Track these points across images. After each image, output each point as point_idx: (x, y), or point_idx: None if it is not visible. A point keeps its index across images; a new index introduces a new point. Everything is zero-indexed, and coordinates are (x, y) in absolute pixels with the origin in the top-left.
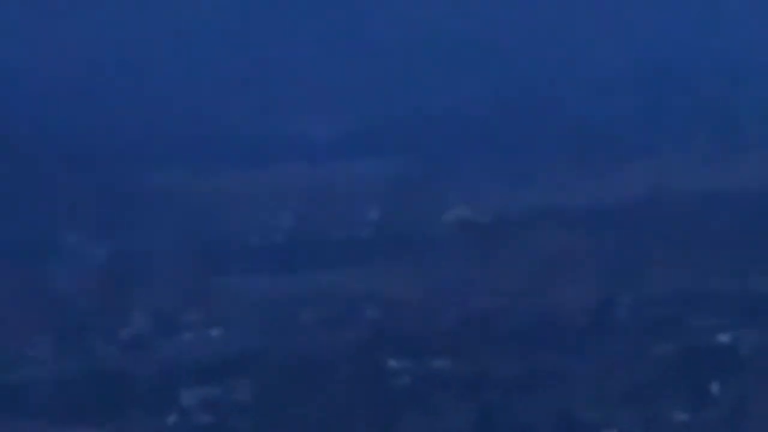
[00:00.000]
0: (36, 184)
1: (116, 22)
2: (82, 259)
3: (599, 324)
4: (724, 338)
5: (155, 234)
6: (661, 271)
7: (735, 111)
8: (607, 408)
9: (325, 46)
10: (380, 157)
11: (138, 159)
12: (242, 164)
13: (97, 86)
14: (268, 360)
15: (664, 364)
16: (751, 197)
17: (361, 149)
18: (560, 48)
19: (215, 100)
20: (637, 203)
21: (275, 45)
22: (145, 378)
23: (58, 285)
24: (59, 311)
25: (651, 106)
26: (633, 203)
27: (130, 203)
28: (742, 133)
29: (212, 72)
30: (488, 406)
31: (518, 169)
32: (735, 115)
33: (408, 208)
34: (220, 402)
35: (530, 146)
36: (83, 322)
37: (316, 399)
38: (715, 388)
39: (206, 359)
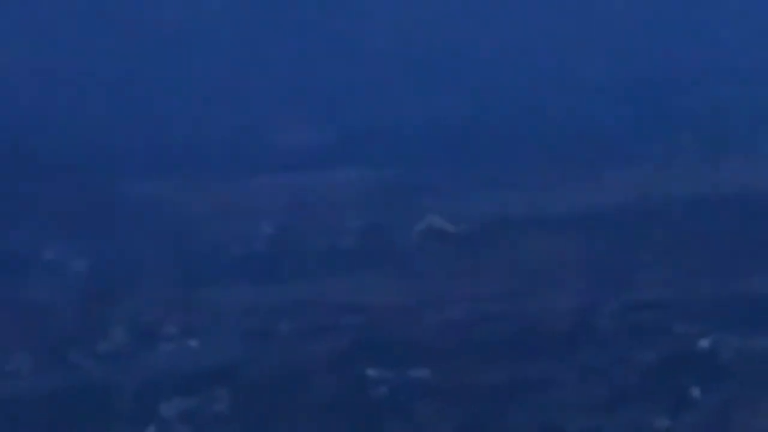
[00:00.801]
0: (13, 194)
1: (99, 29)
2: (60, 271)
3: (582, 331)
4: (706, 344)
5: (134, 245)
6: (645, 277)
7: (721, 116)
8: (590, 415)
9: (306, 55)
10: (362, 167)
11: (117, 169)
12: (222, 174)
13: (77, 95)
14: (247, 371)
15: (646, 370)
16: (737, 203)
17: (343, 158)
18: (544, 55)
19: (195, 110)
20: (621, 209)
21: (256, 54)
22: (124, 390)
23: (37, 298)
24: (38, 325)
25: (635, 112)
26: (616, 209)
27: (109, 214)
28: (728, 139)
29: (192, 81)
30: (470, 416)
31: (501, 177)
32: (720, 120)
33: (390, 218)
34: (200, 413)
35: (513, 154)
36: (62, 335)
37: (295, 410)
38: (696, 393)
39: (185, 370)
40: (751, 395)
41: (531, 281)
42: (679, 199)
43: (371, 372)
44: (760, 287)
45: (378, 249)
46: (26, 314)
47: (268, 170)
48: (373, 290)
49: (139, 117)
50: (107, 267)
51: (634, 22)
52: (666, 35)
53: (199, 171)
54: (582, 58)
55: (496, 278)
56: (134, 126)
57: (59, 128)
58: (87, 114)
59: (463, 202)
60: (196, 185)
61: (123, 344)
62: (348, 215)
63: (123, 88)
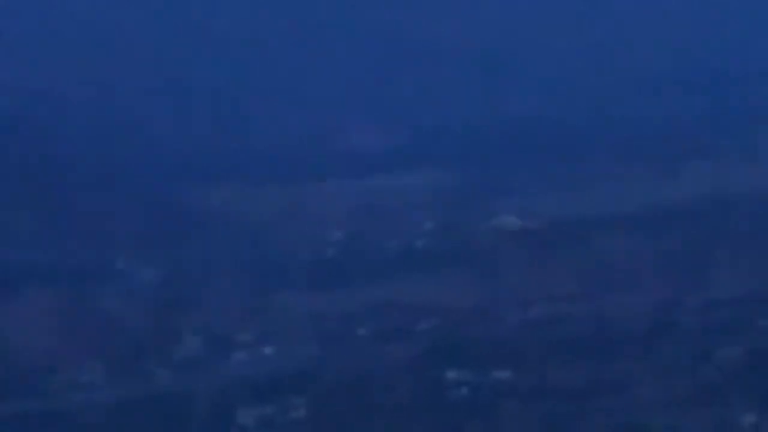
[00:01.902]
0: (85, 207)
1: (163, 39)
2: (133, 281)
3: (663, 329)
4: None
5: (206, 253)
6: (723, 273)
7: None
8: (673, 413)
9: (375, 58)
10: (432, 168)
11: (187, 178)
12: (292, 179)
13: (142, 105)
14: (324, 376)
15: (730, 366)
16: None
17: (413, 161)
18: (616, 52)
19: (264, 116)
20: (697, 205)
21: (324, 59)
22: (200, 398)
23: (111, 308)
24: (113, 335)
25: (708, 108)
26: (692, 206)
27: (180, 223)
28: None
29: (261, 87)
30: (551, 416)
31: (574, 175)
32: None
33: (462, 218)
34: (277, 420)
35: (586, 152)
36: (137, 344)
37: (374, 415)
38: None
39: (261, 377)
40: None
41: (608, 279)
42: (757, 193)
43: (450, 374)
44: None
45: (452, 250)
46: (100, 324)
47: (338, 174)
48: (449, 291)
49: (208, 124)
50: (179, 275)
51: (707, 17)
52: (740, 29)
53: (268, 177)
54: (654, 53)
55: (573, 277)
56: (203, 134)
57: (125, 138)
58: (154, 124)
59: (537, 201)
60: (265, 191)
61: (197, 352)
62: (421, 217)
63: (189, 96)
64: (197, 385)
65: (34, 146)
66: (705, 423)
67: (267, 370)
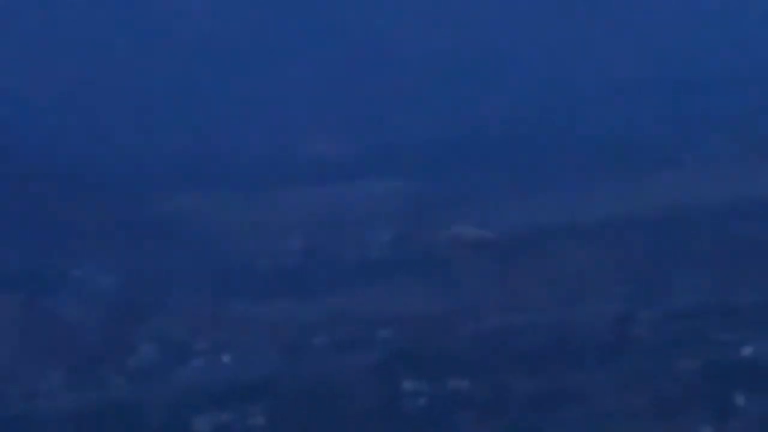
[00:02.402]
0: (44, 213)
1: (126, 47)
2: (91, 288)
3: (621, 339)
4: (747, 351)
5: (165, 260)
6: (682, 284)
7: (759, 119)
8: (631, 425)
9: (333, 69)
10: (392, 178)
11: (146, 186)
12: (251, 188)
13: (103, 112)
14: (281, 385)
15: (688, 378)
16: None
17: (371, 170)
18: (575, 64)
19: (222, 125)
20: (657, 216)
21: (283, 69)
22: (157, 406)
23: (69, 315)
24: (70, 342)
25: (670, 118)
26: (653, 216)
27: (139, 230)
28: (764, 143)
29: (219, 97)
30: (510, 427)
31: (533, 185)
32: (759, 123)
33: (421, 228)
34: (234, 428)
35: (545, 162)
36: (94, 352)
37: (331, 423)
38: (740, 401)
39: (218, 386)
40: None
41: (566, 290)
42: (717, 205)
43: (408, 384)
44: None
45: (411, 260)
46: (57, 332)
47: (296, 184)
48: (407, 301)
49: (167, 133)
50: (137, 283)
51: (669, 26)
52: (702, 38)
53: (229, 184)
54: (618, 62)
55: (530, 287)
56: (162, 142)
57: (87, 146)
58: (114, 131)
59: (495, 211)
60: (226, 199)
61: (154, 360)
62: (380, 226)
63: (150, 105)
64: (154, 393)
65: None
66: None
67: (224, 378)
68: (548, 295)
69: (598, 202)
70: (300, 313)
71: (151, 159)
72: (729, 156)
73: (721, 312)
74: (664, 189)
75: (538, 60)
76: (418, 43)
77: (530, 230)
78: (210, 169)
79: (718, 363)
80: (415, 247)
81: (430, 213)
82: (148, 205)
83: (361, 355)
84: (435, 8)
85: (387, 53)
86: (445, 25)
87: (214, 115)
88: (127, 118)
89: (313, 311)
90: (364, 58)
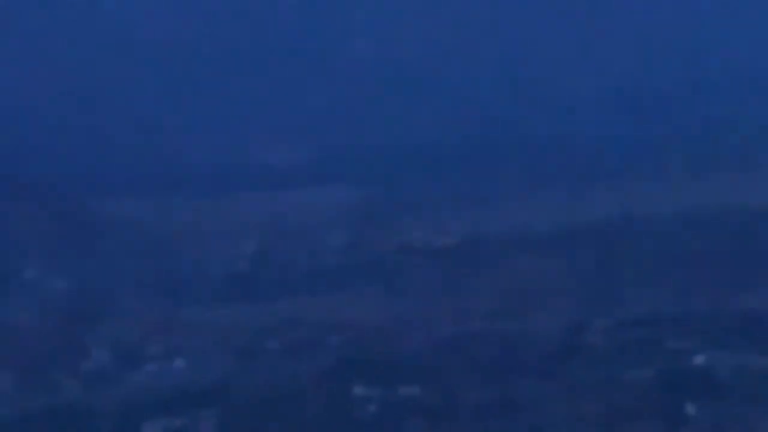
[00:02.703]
0: None
1: (77, 48)
2: (42, 292)
3: (572, 348)
4: (699, 360)
5: (117, 266)
6: (634, 293)
7: (711, 132)
8: None
9: (287, 75)
10: (344, 185)
11: (98, 191)
12: (203, 193)
13: (55, 116)
14: (233, 390)
15: (639, 387)
16: (726, 219)
17: (325, 177)
18: (528, 72)
19: (175, 129)
20: (609, 226)
21: (238, 74)
22: (108, 411)
23: (17, 318)
24: (19, 345)
25: (619, 129)
26: (604, 226)
27: (90, 233)
28: (718, 155)
29: (173, 101)
30: None
31: (485, 193)
32: (710, 136)
33: (371, 235)
34: None
35: (497, 172)
36: (44, 355)
37: (282, 428)
38: (691, 410)
39: (170, 390)
40: (746, 412)
41: (518, 299)
42: (667, 215)
43: (358, 390)
44: (751, 304)
45: (362, 267)
46: (7, 335)
47: (250, 189)
48: (359, 308)
49: (118, 137)
50: (89, 287)
51: (620, 40)
52: (653, 52)
53: (181, 190)
54: (566, 74)
55: (482, 296)
56: (114, 146)
57: (39, 148)
58: (67, 134)
59: (447, 220)
60: (177, 204)
61: (106, 364)
62: (331, 233)
63: (103, 108)
64: (106, 397)
65: None
66: None
67: (176, 383)
68: (500, 304)
69: (551, 211)
70: (252, 318)
71: (105, 164)
72: (682, 166)
73: (673, 321)
74: (615, 199)
75: (488, 71)
76: (371, 51)
77: (481, 239)
78: (164, 174)
79: (670, 372)
80: (368, 253)
81: (381, 220)
82: (100, 210)
83: (312, 360)
84: (389, 17)
85: (340, 62)
86: (398, 33)
87: (169, 121)
88: (81, 122)
89: (266, 316)
90: (317, 66)
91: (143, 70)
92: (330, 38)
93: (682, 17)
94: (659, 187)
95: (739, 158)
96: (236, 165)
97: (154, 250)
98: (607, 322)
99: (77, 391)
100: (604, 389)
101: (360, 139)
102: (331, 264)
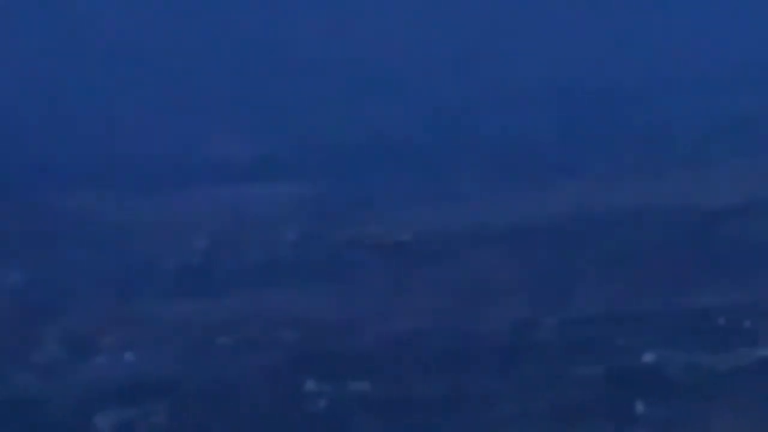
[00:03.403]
0: None
1: (33, 41)
2: None
3: (523, 344)
4: (650, 359)
5: (69, 258)
6: (586, 290)
7: (665, 128)
8: (531, 430)
9: (242, 66)
10: (298, 180)
11: (49, 183)
12: (156, 187)
13: (8, 110)
14: (184, 384)
15: (589, 384)
16: (677, 215)
17: (279, 172)
18: (483, 68)
19: (128, 122)
20: (562, 222)
21: (190, 65)
22: (59, 403)
23: None
24: None
25: (573, 124)
26: (557, 222)
27: (44, 227)
28: (671, 152)
29: (126, 94)
30: (410, 429)
31: (439, 190)
32: (664, 132)
33: (325, 230)
34: (136, 426)
35: (451, 167)
36: None
37: (233, 422)
38: (641, 408)
39: (121, 383)
40: (696, 411)
41: (470, 295)
42: (620, 213)
43: (310, 385)
44: (702, 302)
45: (314, 262)
46: None
47: (203, 183)
48: (311, 303)
49: (72, 130)
50: (41, 280)
51: (577, 34)
52: (610, 46)
53: (133, 184)
54: (522, 70)
55: (434, 292)
56: (67, 139)
57: None
58: (18, 127)
59: (401, 216)
60: (134, 198)
61: (57, 357)
62: (284, 228)
63: (55, 100)
64: (57, 390)
65: None
66: None
67: (127, 377)
68: (451, 300)
69: (503, 208)
70: (203, 313)
71: (54, 158)
72: (635, 165)
73: (624, 319)
74: (569, 197)
75: (444, 66)
76: (323, 47)
77: (435, 235)
78: (113, 168)
79: (620, 369)
80: (320, 249)
81: (335, 215)
82: (49, 204)
83: (263, 355)
84: (342, 14)
85: (293, 57)
86: (351, 30)
87: (119, 115)
88: (30, 117)
89: (217, 311)
90: (269, 62)
91: (100, 64)
92: (288, 34)
93: (638, 15)
94: (614, 184)
95: (694, 157)
96: (192, 159)
97: (107, 243)
98: (558, 319)
99: (28, 383)
100: (554, 386)
101: (316, 135)
102: (284, 259)
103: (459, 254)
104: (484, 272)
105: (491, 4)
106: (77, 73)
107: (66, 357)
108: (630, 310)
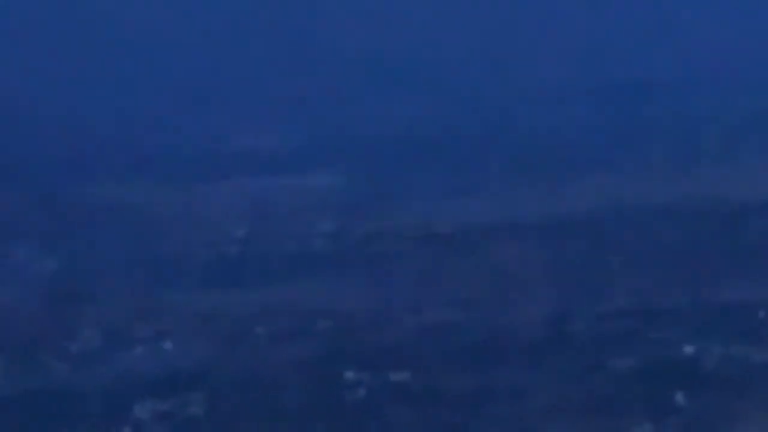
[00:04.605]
0: None
1: (65, 32)
2: (29, 274)
3: (557, 337)
4: (687, 350)
5: (105, 248)
6: (619, 283)
7: (693, 125)
8: (565, 422)
9: (275, 59)
10: (332, 172)
11: (87, 173)
12: (192, 178)
13: (40, 103)
14: (221, 374)
15: (622, 377)
16: (709, 211)
17: (313, 163)
18: (515, 63)
19: (165, 114)
20: (593, 216)
21: (227, 60)
22: (97, 393)
23: (7, 299)
24: (8, 326)
25: (604, 119)
26: (589, 216)
27: (79, 217)
28: (700, 148)
29: (162, 86)
30: (447, 420)
31: (470, 183)
32: (693, 128)
33: (359, 222)
34: (174, 415)
35: (484, 161)
36: (33, 338)
37: (270, 413)
38: (680, 400)
39: (159, 373)
40: (733, 403)
41: (505, 288)
42: (651, 207)
43: (348, 375)
44: (735, 295)
45: (348, 253)
46: None
47: (234, 175)
48: (346, 294)
49: (110, 121)
50: (79, 269)
51: (605, 31)
52: (638, 43)
53: (169, 175)
54: (553, 65)
55: (467, 283)
56: (105, 130)
57: (24, 131)
58: (56, 118)
59: (433, 208)
60: (167, 189)
61: (94, 346)
62: (319, 219)
63: (92, 92)
64: (95, 379)
65: None
66: None
67: (165, 367)
68: (484, 292)
69: (536, 201)
70: (239, 303)
71: (90, 148)
72: (666, 159)
73: (658, 312)
74: (602, 190)
75: (476, 60)
76: (357, 40)
77: (467, 227)
78: (144, 160)
79: (655, 362)
80: (353, 240)
81: (368, 207)
82: (89, 194)
83: (300, 346)
84: (375, 6)
85: (326, 50)
86: (384, 23)
87: (152, 106)
88: (66, 107)
89: (253, 302)
90: (303, 54)
91: (130, 56)
92: (319, 26)
93: (668, 9)
94: (645, 178)
95: (723, 151)
96: (223, 151)
97: (142, 234)
98: (592, 312)
99: (66, 372)
100: (588, 379)
101: (347, 127)
102: (319, 250)
103: (491, 247)
104: (517, 265)
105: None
106: (107, 65)
107: (102, 346)
108: (663, 303)
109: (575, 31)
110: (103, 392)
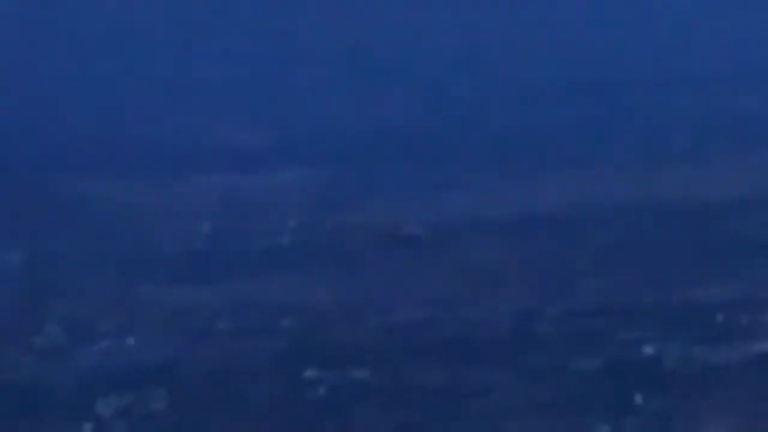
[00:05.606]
0: None
1: (40, 28)
2: None
3: (524, 335)
4: (648, 350)
5: (70, 242)
6: (587, 282)
7: (665, 121)
8: (530, 420)
9: (248, 55)
10: (301, 168)
11: (53, 166)
12: (159, 173)
13: (15, 93)
14: (185, 369)
15: (587, 376)
16: (679, 209)
17: (283, 159)
18: (488, 58)
19: (135, 108)
20: (562, 214)
21: (197, 52)
22: (59, 387)
23: None
24: None
25: (576, 117)
26: (558, 214)
27: (44, 210)
28: (668, 144)
29: (132, 79)
30: (410, 419)
31: (442, 180)
32: (664, 125)
33: (329, 219)
34: (136, 411)
35: (454, 157)
36: None
37: (232, 409)
38: (639, 400)
39: (122, 368)
40: (693, 403)
41: (472, 284)
42: (620, 205)
43: (309, 372)
44: (701, 295)
45: (316, 250)
46: None
47: (207, 170)
48: (313, 290)
49: (78, 115)
50: (44, 262)
51: (581, 29)
52: (611, 38)
53: (135, 170)
54: (527, 62)
55: (437, 281)
56: (73, 124)
57: None
58: (25, 112)
59: (404, 205)
60: (134, 184)
61: (57, 340)
62: (289, 216)
63: (62, 86)
64: (57, 373)
65: None
66: (561, 431)
67: (128, 361)
68: (452, 289)
69: (506, 198)
70: (204, 298)
71: (58, 142)
72: (637, 158)
73: (624, 311)
74: (572, 187)
75: (450, 57)
76: (331, 35)
77: (437, 224)
78: (118, 153)
79: (620, 361)
80: (323, 236)
81: (339, 204)
82: (54, 188)
83: (264, 342)
84: (352, 2)
85: (299, 45)
86: (358, 18)
87: (125, 100)
88: (39, 101)
89: (218, 297)
90: (275, 49)
91: (105, 49)
92: (289, 23)
93: (642, 9)
94: (615, 177)
95: (694, 151)
96: (196, 146)
97: (108, 228)
98: (560, 310)
99: (29, 367)
100: (554, 377)
101: (322, 123)
102: (286, 246)
103: (461, 244)
104: (485, 262)
105: None
106: (81, 58)
107: (66, 341)
108: (630, 303)
109: (551, 29)
110: (66, 387)
